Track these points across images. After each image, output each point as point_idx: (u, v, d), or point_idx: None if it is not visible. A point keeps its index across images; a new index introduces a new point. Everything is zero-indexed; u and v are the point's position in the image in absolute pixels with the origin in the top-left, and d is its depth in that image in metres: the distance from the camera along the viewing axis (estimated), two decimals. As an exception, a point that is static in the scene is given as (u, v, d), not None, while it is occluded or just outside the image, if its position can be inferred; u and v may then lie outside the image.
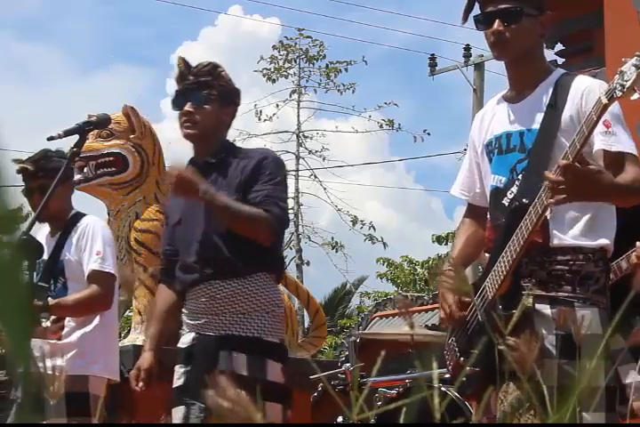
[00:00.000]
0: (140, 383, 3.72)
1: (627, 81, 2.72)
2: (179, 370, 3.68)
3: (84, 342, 4.32)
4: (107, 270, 4.38)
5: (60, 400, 4.18)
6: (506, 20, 3.11)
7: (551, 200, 2.87)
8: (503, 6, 3.11)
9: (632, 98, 2.75)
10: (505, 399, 2.95)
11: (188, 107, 3.73)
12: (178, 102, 3.78)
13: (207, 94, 3.74)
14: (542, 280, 3.04)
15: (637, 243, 4.04)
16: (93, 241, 4.42)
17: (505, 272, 3.03)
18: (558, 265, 3.04)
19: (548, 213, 2.99)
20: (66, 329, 4.33)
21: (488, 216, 3.32)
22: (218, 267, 3.61)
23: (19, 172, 4.47)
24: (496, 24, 3.10)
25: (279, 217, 3.60)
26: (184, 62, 3.82)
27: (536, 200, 2.95)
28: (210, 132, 3.75)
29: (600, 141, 3.00)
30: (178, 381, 3.67)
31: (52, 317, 4.33)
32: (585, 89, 3.08)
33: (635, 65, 2.72)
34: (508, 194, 3.13)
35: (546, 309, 3.00)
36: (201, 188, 3.51)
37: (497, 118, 3.27)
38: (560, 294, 3.02)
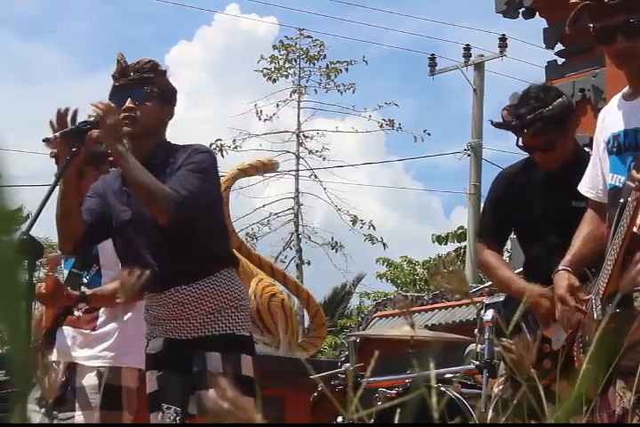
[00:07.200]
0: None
1: None
2: (151, 376, 3.63)
3: (119, 332, 4.23)
4: None
5: (84, 392, 4.15)
6: (627, 35, 3.13)
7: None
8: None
9: None
10: (624, 396, 2.90)
11: (129, 103, 3.60)
12: (117, 98, 3.63)
13: (149, 91, 3.62)
14: None
15: None
16: None
17: (610, 271, 2.99)
18: None
19: None
20: (100, 319, 4.26)
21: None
22: (180, 274, 3.52)
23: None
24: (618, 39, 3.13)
25: (184, 197, 3.43)
26: (124, 58, 3.68)
27: (630, 197, 2.91)
28: (150, 130, 3.62)
29: None
30: (152, 386, 3.62)
31: (84, 306, 4.28)
32: None
33: None
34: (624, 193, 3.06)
35: None
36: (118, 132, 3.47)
37: (617, 116, 3.22)
38: None
